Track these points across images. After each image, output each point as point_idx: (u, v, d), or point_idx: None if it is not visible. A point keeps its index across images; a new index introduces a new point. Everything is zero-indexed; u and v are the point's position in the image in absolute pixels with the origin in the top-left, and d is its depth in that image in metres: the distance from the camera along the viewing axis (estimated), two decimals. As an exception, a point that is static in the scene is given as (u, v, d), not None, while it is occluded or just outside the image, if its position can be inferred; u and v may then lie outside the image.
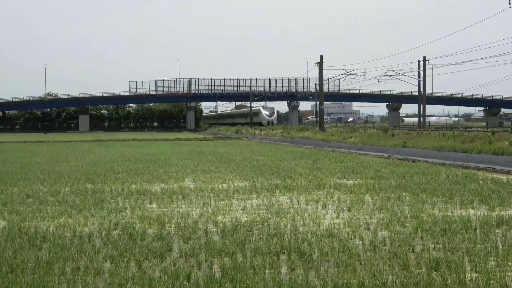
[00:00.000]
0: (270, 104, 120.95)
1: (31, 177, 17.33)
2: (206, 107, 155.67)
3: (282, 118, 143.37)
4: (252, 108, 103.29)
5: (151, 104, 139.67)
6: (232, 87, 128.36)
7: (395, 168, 19.09)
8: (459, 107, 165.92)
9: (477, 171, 18.41)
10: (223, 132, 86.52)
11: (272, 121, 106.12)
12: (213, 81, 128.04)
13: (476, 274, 6.36)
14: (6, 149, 37.66)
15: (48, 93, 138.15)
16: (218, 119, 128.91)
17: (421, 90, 72.37)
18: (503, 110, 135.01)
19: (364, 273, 6.38)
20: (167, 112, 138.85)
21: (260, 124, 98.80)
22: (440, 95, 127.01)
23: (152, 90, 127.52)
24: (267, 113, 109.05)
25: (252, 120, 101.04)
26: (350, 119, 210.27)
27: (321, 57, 61.47)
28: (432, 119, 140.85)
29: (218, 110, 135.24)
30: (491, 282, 6.03)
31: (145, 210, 10.98)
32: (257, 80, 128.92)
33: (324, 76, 63.21)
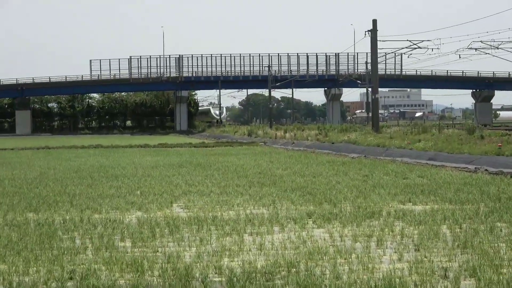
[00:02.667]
0: (298, 92, 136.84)
1: None
2: (204, 98, 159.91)
3: (237, 115, 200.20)
4: (202, 108, 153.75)
5: (122, 93, 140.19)
6: (242, 68, 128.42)
7: (486, 187, 19.05)
8: None
9: None
10: (229, 134, 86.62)
11: (221, 120, 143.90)
12: (214, 59, 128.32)
13: None
14: None
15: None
16: None
17: (524, 70, 72.23)
18: None
19: None
20: (147, 105, 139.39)
21: (210, 122, 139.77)
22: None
23: (125, 73, 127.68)
24: (216, 112, 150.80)
25: (203, 119, 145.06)
26: (418, 114, 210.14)
27: (374, 22, 61.42)
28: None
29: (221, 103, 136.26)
30: None
31: (114, 251, 11.01)
32: (279, 57, 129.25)
33: (379, 51, 63.17)
